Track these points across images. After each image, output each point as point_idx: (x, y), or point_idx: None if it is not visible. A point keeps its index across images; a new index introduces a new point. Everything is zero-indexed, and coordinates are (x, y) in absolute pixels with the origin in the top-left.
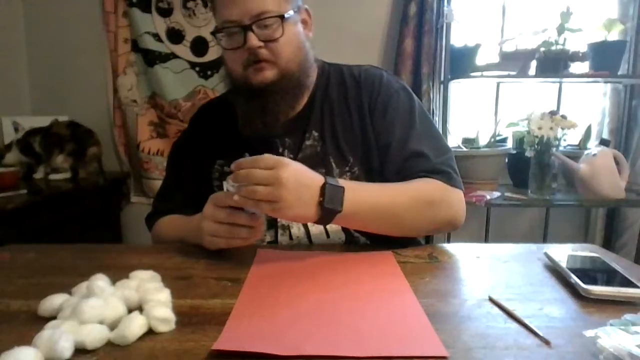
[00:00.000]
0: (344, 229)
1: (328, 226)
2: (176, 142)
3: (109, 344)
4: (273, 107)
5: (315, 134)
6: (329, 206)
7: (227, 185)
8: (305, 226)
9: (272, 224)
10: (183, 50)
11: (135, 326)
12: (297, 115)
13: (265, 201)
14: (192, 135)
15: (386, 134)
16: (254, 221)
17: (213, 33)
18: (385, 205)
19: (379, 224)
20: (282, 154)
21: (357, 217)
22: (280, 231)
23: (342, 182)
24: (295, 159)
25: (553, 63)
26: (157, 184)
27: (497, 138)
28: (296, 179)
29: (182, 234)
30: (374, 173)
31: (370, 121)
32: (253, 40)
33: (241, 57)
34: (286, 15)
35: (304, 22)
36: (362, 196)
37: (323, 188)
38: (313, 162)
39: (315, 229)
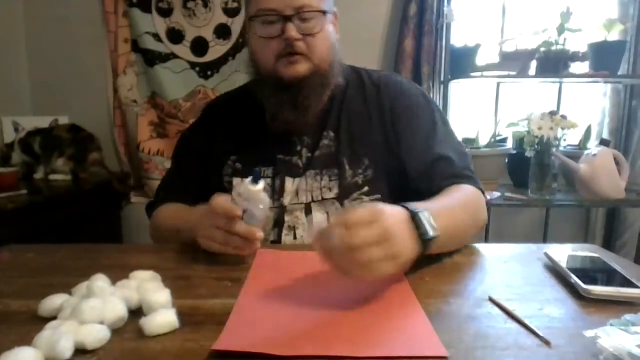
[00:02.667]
0: None
1: None
2: (186, 131)
3: (109, 344)
4: (303, 101)
5: (331, 134)
6: (432, 234)
7: (235, 196)
8: (311, 227)
9: (277, 223)
10: (183, 50)
11: (157, 324)
12: (317, 113)
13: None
14: (204, 127)
15: (409, 137)
16: (251, 234)
17: (249, 18)
18: (455, 226)
19: (448, 245)
20: (300, 152)
21: (438, 242)
22: (285, 231)
23: (419, 206)
24: (311, 157)
25: (553, 63)
26: (157, 184)
27: (497, 138)
28: (395, 220)
29: (180, 225)
30: (392, 175)
31: (391, 124)
32: (292, 31)
33: (276, 47)
34: (326, 12)
35: (333, 24)
36: (439, 219)
37: (413, 219)
38: (326, 163)
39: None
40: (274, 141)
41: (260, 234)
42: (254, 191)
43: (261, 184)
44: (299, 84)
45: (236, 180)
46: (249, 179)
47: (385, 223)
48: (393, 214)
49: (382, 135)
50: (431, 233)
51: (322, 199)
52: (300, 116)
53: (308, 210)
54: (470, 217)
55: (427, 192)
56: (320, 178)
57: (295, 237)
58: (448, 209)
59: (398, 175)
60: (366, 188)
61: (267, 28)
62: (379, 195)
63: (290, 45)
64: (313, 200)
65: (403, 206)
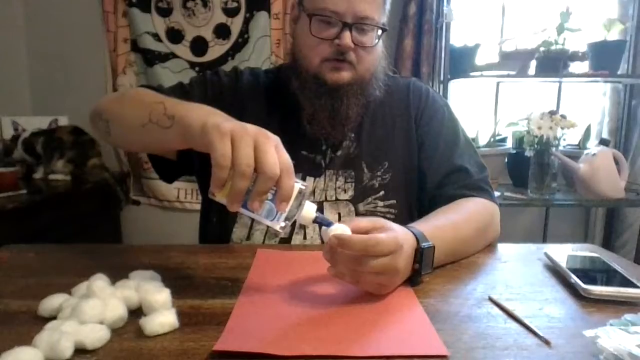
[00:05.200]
0: None
1: None
2: (224, 73)
3: (109, 344)
4: (344, 110)
5: (352, 135)
6: (425, 272)
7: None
8: (321, 228)
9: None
10: (182, 50)
11: (157, 324)
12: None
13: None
14: (237, 89)
15: (430, 145)
16: (288, 192)
17: (308, 15)
18: (458, 248)
19: (447, 260)
20: (325, 152)
21: (436, 259)
22: (296, 229)
23: (426, 233)
24: (333, 158)
25: (553, 63)
26: (157, 183)
27: (497, 138)
28: (408, 260)
29: (169, 103)
30: (409, 181)
31: (416, 130)
32: (348, 39)
33: (325, 49)
34: (385, 28)
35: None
36: (441, 245)
37: (417, 252)
38: (344, 164)
39: None
40: (300, 137)
41: (257, 204)
42: (308, 218)
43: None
44: (339, 90)
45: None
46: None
47: (399, 261)
48: (408, 252)
49: (404, 140)
50: (427, 271)
51: (336, 199)
52: (338, 124)
53: (320, 210)
54: (475, 233)
55: (441, 200)
56: (336, 178)
57: (305, 237)
58: (451, 224)
59: (415, 182)
60: (382, 192)
61: (323, 29)
62: (394, 201)
63: (342, 52)
64: (326, 200)
65: (413, 232)
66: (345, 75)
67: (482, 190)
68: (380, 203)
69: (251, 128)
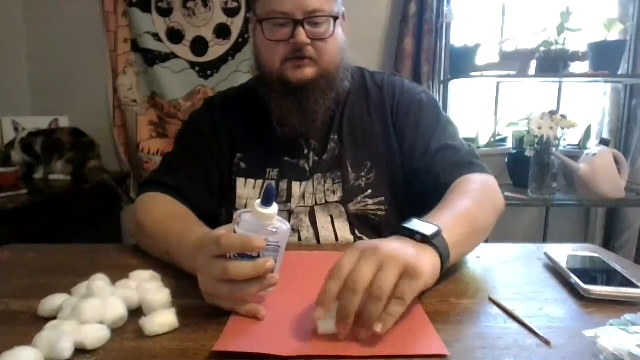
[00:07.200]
0: (352, 232)
1: (337, 230)
2: (194, 115)
3: (109, 344)
4: (312, 106)
5: (335, 136)
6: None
7: (242, 227)
8: (315, 229)
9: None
10: (183, 50)
11: (157, 324)
12: (323, 118)
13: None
14: (212, 117)
15: (411, 133)
16: (261, 268)
17: (259, 21)
18: (473, 228)
19: (472, 248)
20: (307, 156)
21: (459, 252)
22: (290, 233)
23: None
24: (319, 161)
25: (553, 63)
26: None
27: (497, 138)
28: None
29: (170, 247)
30: (394, 178)
31: (393, 124)
32: (302, 36)
33: (283, 51)
34: (337, 16)
35: (341, 24)
36: (452, 240)
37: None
38: (330, 166)
39: (325, 231)
40: (280, 143)
41: (270, 263)
42: (266, 215)
43: (275, 207)
44: (305, 87)
45: (237, 213)
46: (258, 201)
47: (417, 283)
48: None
49: (384, 136)
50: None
51: (326, 202)
52: (308, 121)
53: (312, 214)
54: (486, 211)
55: (435, 185)
56: (324, 181)
57: (300, 239)
58: (463, 212)
59: (400, 177)
60: (370, 191)
61: (276, 31)
62: (382, 198)
63: (299, 50)
64: (317, 204)
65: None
66: (308, 71)
67: (474, 164)
68: (370, 201)
69: (200, 265)
